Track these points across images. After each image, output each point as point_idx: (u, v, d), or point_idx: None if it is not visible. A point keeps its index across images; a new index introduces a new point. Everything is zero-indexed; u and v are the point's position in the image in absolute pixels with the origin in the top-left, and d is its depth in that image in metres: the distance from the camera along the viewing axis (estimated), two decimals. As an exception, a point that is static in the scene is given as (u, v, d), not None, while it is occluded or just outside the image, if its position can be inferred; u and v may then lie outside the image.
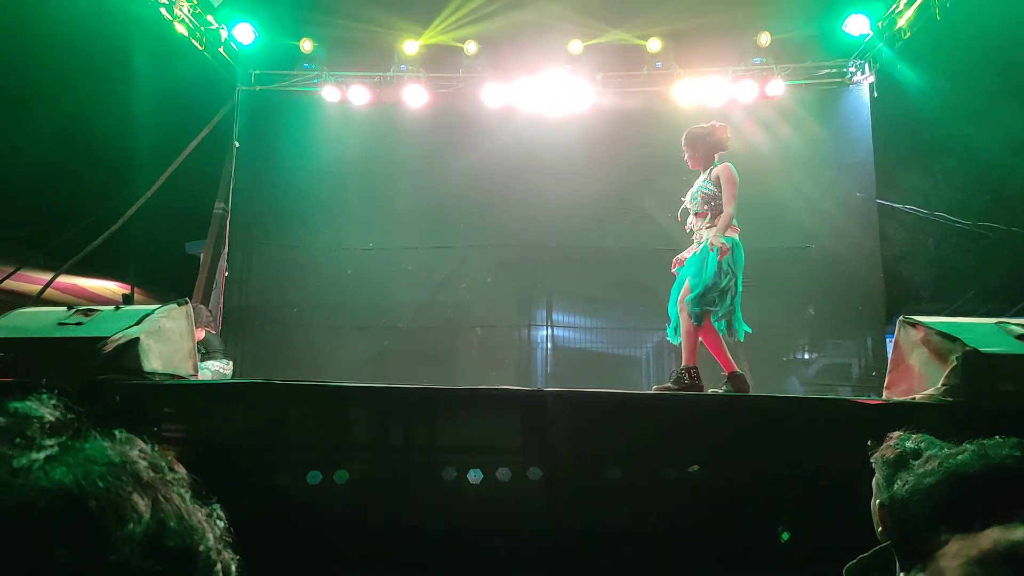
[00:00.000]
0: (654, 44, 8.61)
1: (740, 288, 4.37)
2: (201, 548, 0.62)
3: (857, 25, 8.18)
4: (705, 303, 4.30)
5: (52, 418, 0.62)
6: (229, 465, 3.12)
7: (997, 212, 10.07)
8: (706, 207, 4.49)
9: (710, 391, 4.36)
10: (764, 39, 8.38)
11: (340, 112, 8.87)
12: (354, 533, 3.10)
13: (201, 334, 5.67)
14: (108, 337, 3.30)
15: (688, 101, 8.54)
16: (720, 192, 4.44)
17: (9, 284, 8.89)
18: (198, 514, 0.64)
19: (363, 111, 8.84)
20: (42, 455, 0.58)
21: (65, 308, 3.76)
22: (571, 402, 3.42)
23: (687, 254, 4.66)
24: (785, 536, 3.04)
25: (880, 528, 1.66)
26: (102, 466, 0.59)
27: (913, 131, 9.72)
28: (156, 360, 3.49)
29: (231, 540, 0.67)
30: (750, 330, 4.44)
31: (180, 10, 7.70)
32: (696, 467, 3.23)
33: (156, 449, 0.67)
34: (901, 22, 7.76)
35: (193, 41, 7.97)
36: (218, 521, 0.67)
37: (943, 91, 8.65)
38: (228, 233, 8.75)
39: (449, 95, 8.80)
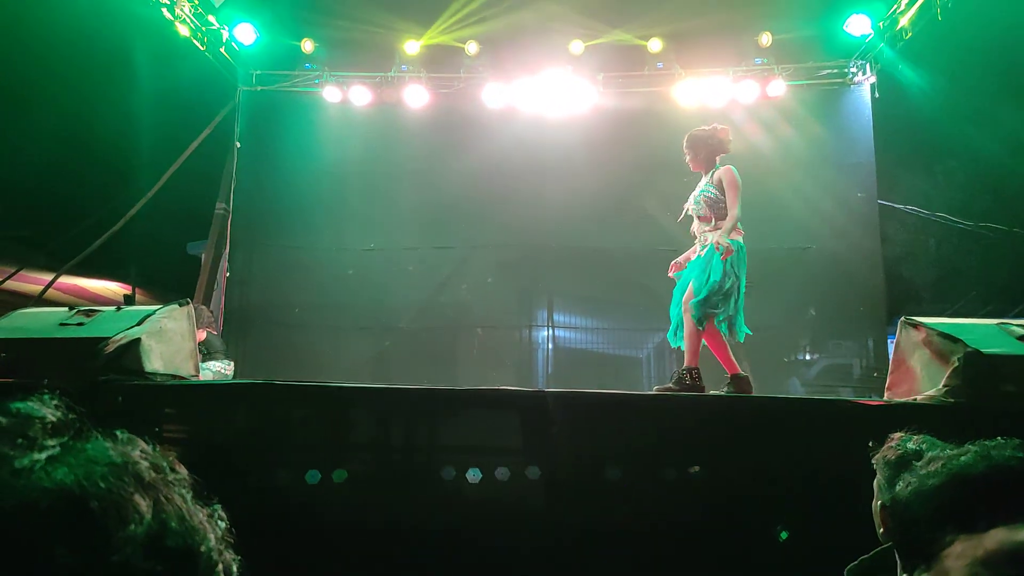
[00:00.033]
0: (655, 44, 8.60)
1: (744, 291, 4.37)
2: (203, 549, 0.62)
3: (858, 25, 8.17)
4: (709, 306, 4.29)
5: (54, 418, 0.62)
6: (230, 465, 3.12)
7: (998, 212, 10.05)
8: (709, 211, 4.49)
9: (711, 392, 4.36)
10: (765, 39, 8.37)
11: (341, 112, 8.87)
12: (354, 533, 3.10)
13: (202, 335, 5.68)
14: (109, 338, 3.31)
15: (689, 101, 8.54)
16: (722, 195, 4.43)
17: (10, 285, 8.91)
18: (199, 515, 0.64)
19: (364, 111, 8.84)
20: (44, 455, 0.58)
21: (66, 309, 3.76)
22: (571, 402, 3.42)
23: (685, 258, 4.66)
24: (784, 535, 3.04)
25: (882, 529, 1.66)
26: (104, 467, 0.59)
27: (914, 131, 9.69)
28: (157, 361, 3.49)
29: (232, 540, 0.67)
30: (751, 332, 4.45)
31: (181, 10, 7.70)
32: (696, 468, 3.23)
33: (158, 449, 0.67)
34: (902, 22, 7.75)
35: (194, 41, 7.97)
36: (219, 522, 0.67)
37: (944, 91, 8.63)
38: (229, 233, 8.76)
39: (450, 95, 8.80)
